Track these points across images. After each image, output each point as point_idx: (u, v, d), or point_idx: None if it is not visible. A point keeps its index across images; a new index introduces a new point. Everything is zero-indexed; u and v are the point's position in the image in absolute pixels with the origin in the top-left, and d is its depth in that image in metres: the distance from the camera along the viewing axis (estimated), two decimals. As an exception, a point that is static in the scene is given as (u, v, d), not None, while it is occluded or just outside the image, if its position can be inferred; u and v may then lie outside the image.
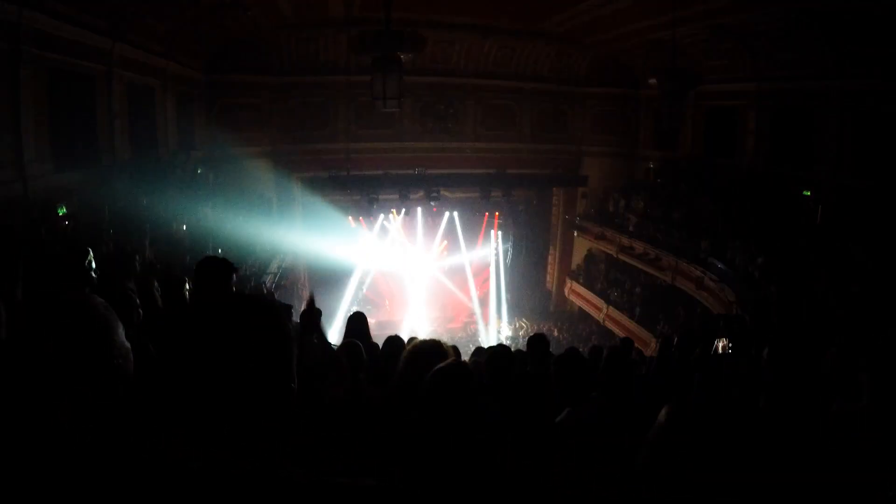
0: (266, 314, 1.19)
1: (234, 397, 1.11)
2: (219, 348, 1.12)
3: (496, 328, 24.40)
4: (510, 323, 25.04)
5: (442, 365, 2.09)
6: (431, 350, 2.57)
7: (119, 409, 1.15)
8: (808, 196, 15.32)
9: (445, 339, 3.18)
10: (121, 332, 1.20)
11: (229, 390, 1.11)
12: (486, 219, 25.66)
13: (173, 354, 1.18)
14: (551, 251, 25.35)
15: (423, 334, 13.42)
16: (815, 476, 2.13)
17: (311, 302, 4.79)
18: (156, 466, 1.05)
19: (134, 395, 1.21)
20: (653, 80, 15.21)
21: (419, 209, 23.92)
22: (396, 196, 20.29)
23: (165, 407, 1.18)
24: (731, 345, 7.39)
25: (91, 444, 1.07)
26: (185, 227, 12.19)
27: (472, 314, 25.70)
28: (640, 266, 19.78)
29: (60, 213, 9.27)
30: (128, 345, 1.21)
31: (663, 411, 1.85)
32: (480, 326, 25.13)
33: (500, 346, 4.46)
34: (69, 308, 1.16)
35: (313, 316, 4.75)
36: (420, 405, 1.99)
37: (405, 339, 5.16)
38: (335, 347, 4.72)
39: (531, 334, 6.11)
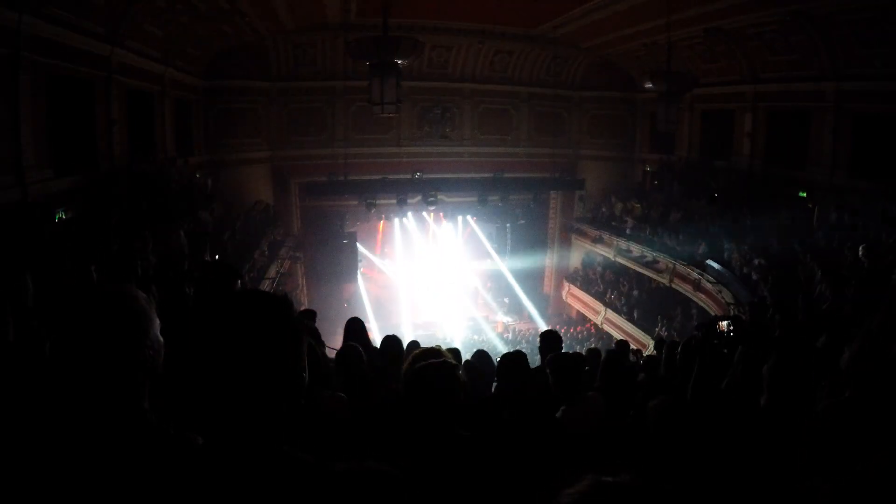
0: (276, 308, 1.21)
1: (246, 389, 1.13)
2: (230, 342, 1.14)
3: (497, 330, 24.37)
4: (510, 324, 25.02)
5: (420, 364, 2.16)
6: (430, 357, 2.62)
7: (145, 399, 1.18)
8: (804, 197, 15.37)
9: (441, 341, 3.21)
10: (157, 326, 1.23)
11: (242, 382, 1.13)
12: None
13: (186, 349, 1.21)
14: (549, 254, 25.36)
15: (420, 336, 13.46)
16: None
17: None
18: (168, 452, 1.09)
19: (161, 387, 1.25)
20: (649, 84, 15.28)
21: (424, 213, 23.98)
22: (394, 200, 20.32)
23: (179, 400, 1.21)
24: (730, 338, 7.42)
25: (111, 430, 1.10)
26: (183, 233, 12.18)
27: (471, 317, 25.66)
28: (637, 269, 19.81)
29: (58, 219, 9.28)
30: (161, 339, 1.24)
31: (655, 402, 1.88)
32: (482, 328, 25.11)
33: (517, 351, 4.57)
34: (111, 298, 1.19)
35: (307, 318, 4.79)
36: (403, 402, 2.06)
37: (403, 342, 5.21)
38: (334, 351, 4.76)
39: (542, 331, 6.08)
